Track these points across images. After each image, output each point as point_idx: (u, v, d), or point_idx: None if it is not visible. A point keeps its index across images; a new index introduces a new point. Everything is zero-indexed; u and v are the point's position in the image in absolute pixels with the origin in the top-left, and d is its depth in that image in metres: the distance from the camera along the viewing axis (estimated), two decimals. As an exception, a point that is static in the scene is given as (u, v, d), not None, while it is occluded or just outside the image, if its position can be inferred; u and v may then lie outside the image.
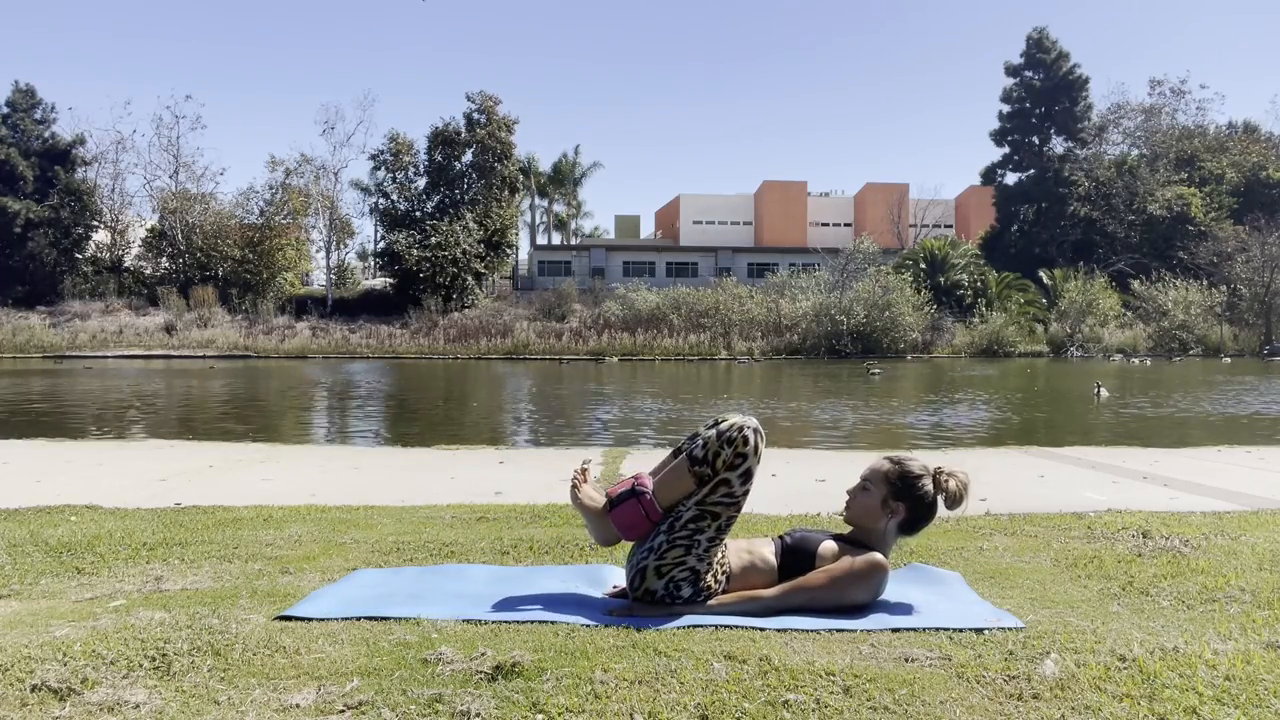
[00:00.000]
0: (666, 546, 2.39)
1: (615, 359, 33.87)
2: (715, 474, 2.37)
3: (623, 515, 2.47)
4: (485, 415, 12.77)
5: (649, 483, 2.48)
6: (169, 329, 38.44)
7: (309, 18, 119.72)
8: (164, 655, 1.95)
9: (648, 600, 2.40)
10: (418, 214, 45.76)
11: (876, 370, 23.45)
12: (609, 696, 1.76)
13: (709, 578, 2.41)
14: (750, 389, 18.22)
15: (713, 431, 2.41)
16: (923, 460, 2.57)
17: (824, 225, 59.83)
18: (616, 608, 2.41)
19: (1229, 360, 33.70)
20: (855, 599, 2.40)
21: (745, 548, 2.52)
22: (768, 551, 2.50)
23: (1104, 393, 14.62)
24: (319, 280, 55.11)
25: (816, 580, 2.40)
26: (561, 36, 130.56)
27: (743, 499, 2.39)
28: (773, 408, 13.06)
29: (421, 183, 47.27)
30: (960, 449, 7.81)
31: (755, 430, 2.38)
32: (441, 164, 46.46)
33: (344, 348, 36.82)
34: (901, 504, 2.50)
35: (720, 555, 2.45)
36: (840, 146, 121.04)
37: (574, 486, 2.59)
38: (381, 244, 46.68)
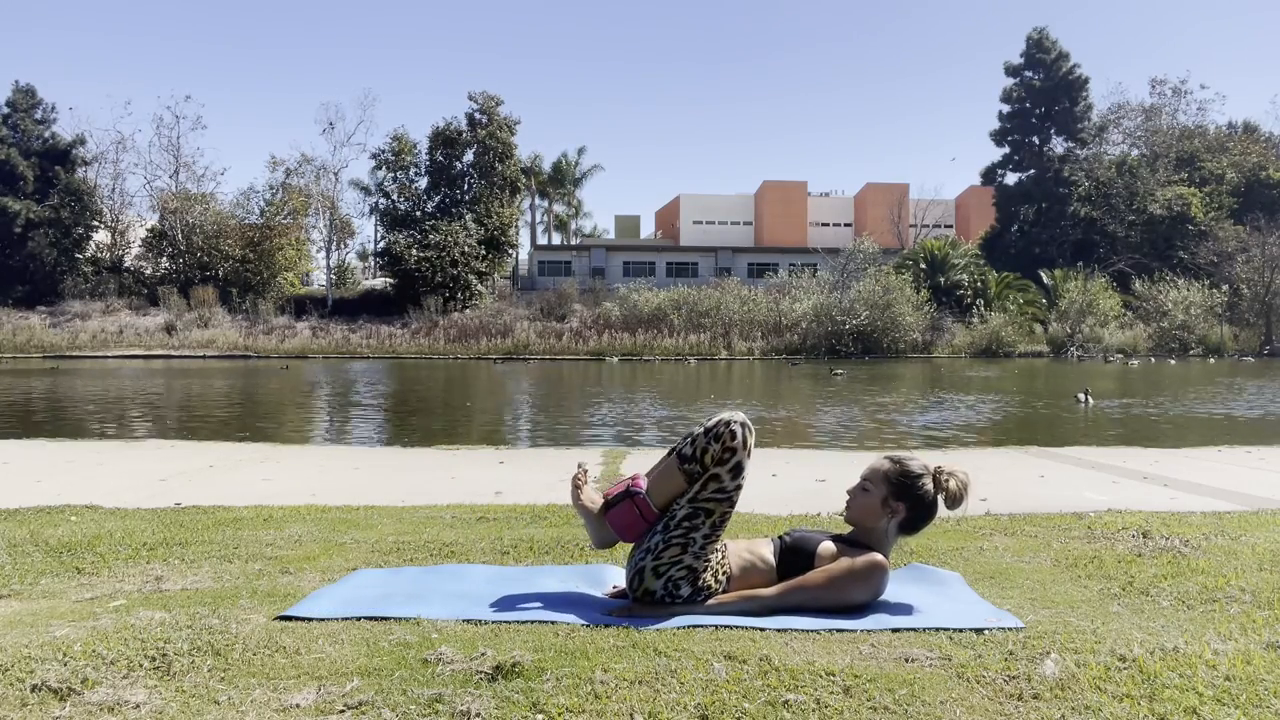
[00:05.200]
0: (663, 546, 2.39)
1: (615, 359, 33.87)
2: (705, 470, 2.39)
3: (618, 516, 2.49)
4: (482, 416, 12.77)
5: (643, 483, 2.49)
6: (169, 329, 38.45)
7: (309, 18, 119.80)
8: (164, 655, 1.95)
9: (647, 600, 2.40)
10: (418, 214, 45.78)
11: (839, 372, 23.57)
12: (609, 696, 1.76)
13: (708, 577, 2.41)
14: (690, 390, 18.22)
15: (700, 428, 2.44)
16: (923, 460, 2.57)
17: (824, 225, 59.82)
18: (616, 608, 2.41)
19: (1214, 361, 33.68)
20: (855, 599, 2.39)
21: (745, 548, 2.52)
22: (767, 552, 2.50)
23: (1090, 400, 13.29)
24: (319, 280, 55.14)
25: (816, 580, 2.40)
26: (562, 36, 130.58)
27: (735, 494, 2.40)
28: (684, 409, 13.06)
29: (422, 182, 47.30)
30: (960, 449, 7.82)
31: (743, 424, 2.41)
32: (442, 164, 46.47)
33: (344, 348, 36.82)
34: (901, 503, 2.50)
35: (720, 557, 2.45)
36: (840, 146, 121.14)
37: (575, 488, 2.60)
38: (382, 244, 46.69)
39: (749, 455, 2.40)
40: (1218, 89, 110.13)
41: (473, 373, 24.84)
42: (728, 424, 2.40)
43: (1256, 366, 29.37)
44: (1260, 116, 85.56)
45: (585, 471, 2.65)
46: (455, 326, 39.42)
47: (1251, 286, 41.44)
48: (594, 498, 2.58)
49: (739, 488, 2.40)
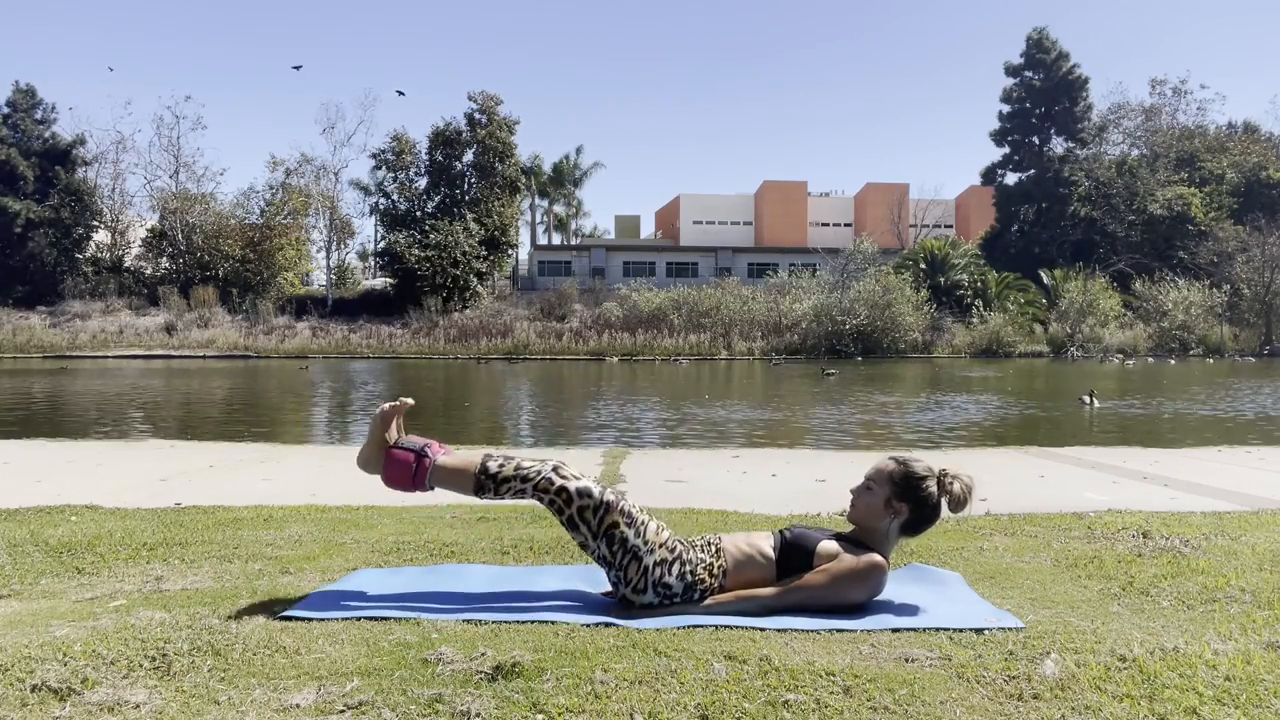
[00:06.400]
0: (623, 574, 2.41)
1: (615, 359, 33.86)
2: (494, 493, 2.46)
3: (395, 458, 2.53)
4: (483, 415, 12.77)
5: (439, 455, 2.52)
6: (169, 329, 38.46)
7: (309, 18, 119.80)
8: (164, 655, 1.95)
9: (647, 610, 2.40)
10: (418, 214, 45.77)
11: (831, 372, 23.37)
12: (609, 696, 1.76)
13: (697, 568, 2.41)
14: (682, 390, 18.20)
15: (520, 470, 2.46)
16: (927, 461, 2.57)
17: (824, 225, 59.82)
18: (616, 608, 2.41)
19: (1213, 361, 33.69)
20: (854, 598, 2.39)
21: (744, 540, 2.52)
22: (766, 546, 2.50)
23: (1095, 402, 12.89)
24: (319, 280, 55.14)
25: (816, 579, 2.40)
26: (562, 36, 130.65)
27: (607, 496, 2.42)
28: (660, 409, 13.04)
29: (422, 182, 47.29)
30: (960, 449, 7.81)
31: (554, 469, 2.45)
32: (442, 164, 46.46)
33: (344, 348, 36.83)
34: (905, 504, 2.50)
35: (715, 551, 2.46)
36: (840, 146, 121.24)
37: (386, 414, 2.62)
38: (382, 244, 46.69)
39: (578, 478, 2.44)
40: (1218, 89, 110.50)
41: (467, 373, 24.84)
42: (539, 474, 2.43)
43: (1257, 366, 29.37)
44: (1260, 116, 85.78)
45: (406, 404, 2.66)
46: (455, 326, 39.42)
47: (1251, 286, 41.45)
48: (393, 431, 2.62)
49: (604, 489, 2.44)
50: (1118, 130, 52.64)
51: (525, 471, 2.46)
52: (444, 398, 16.19)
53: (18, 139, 44.19)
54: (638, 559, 2.40)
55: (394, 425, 2.63)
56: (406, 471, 2.51)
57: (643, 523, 2.44)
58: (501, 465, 2.48)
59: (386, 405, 2.64)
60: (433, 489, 2.54)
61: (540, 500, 2.46)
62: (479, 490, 2.48)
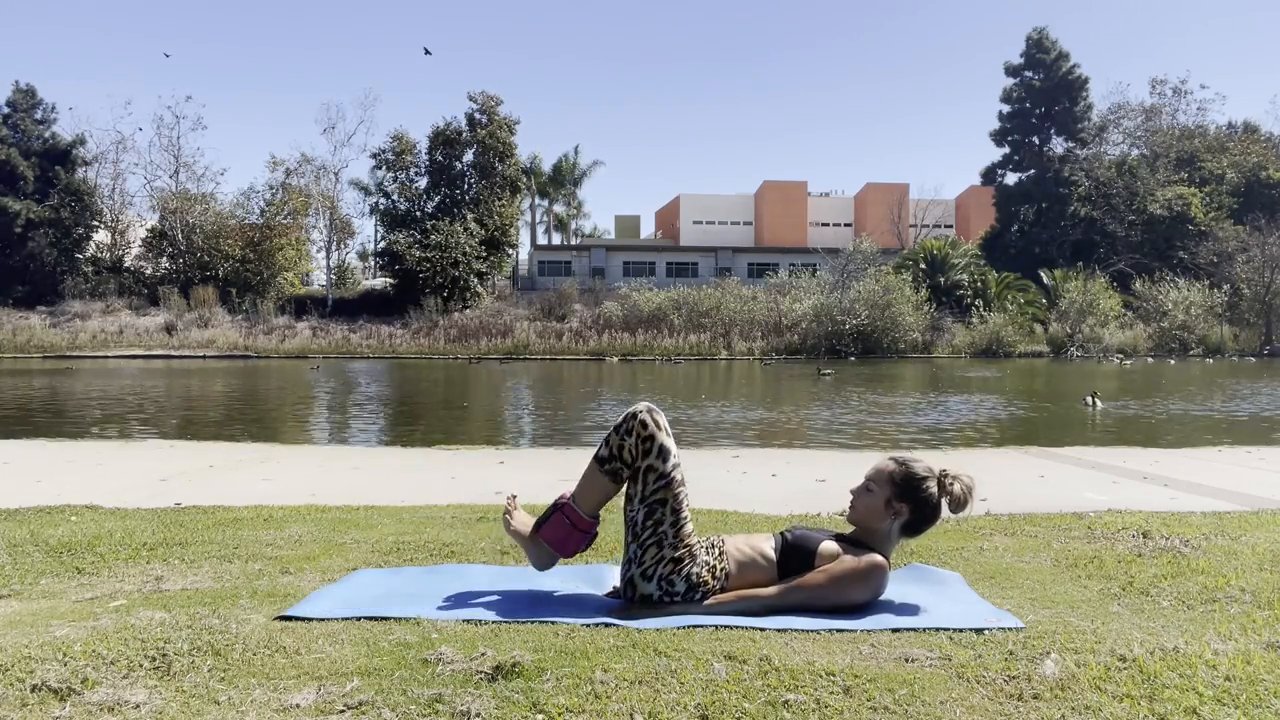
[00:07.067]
0: (640, 551, 2.42)
1: (615, 359, 33.86)
2: (627, 466, 2.44)
3: (551, 531, 2.53)
4: (482, 414, 12.77)
5: (569, 492, 2.54)
6: (169, 329, 38.45)
7: (309, 18, 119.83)
8: (164, 655, 1.95)
9: (647, 605, 2.41)
10: (418, 214, 45.76)
11: (827, 372, 23.29)
12: (609, 696, 1.76)
13: (703, 572, 2.41)
14: (670, 389, 18.20)
15: (618, 428, 2.49)
16: (927, 462, 2.57)
17: (824, 225, 59.82)
18: (616, 608, 2.41)
19: (1212, 361, 33.69)
20: (855, 599, 2.39)
21: (745, 542, 2.52)
22: (767, 548, 2.50)
23: (1099, 404, 12.79)
24: (319, 280, 55.13)
25: (816, 579, 2.40)
26: (562, 36, 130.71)
27: (675, 472, 2.43)
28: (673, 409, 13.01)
29: (422, 182, 47.28)
30: (960, 449, 7.81)
31: (647, 410, 2.46)
32: (442, 164, 46.45)
33: (344, 348, 36.82)
34: (905, 505, 2.50)
35: (718, 553, 2.46)
36: (840, 146, 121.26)
37: (506, 515, 2.66)
38: (382, 244, 46.69)
39: (668, 434, 2.45)
40: (1218, 89, 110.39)
41: (464, 373, 24.83)
42: (634, 415, 2.45)
43: (1257, 367, 29.37)
44: (1260, 116, 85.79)
45: (514, 498, 2.71)
46: (455, 326, 39.42)
47: (1251, 286, 41.43)
48: (525, 520, 2.63)
49: (676, 466, 2.44)
50: (1118, 130, 52.65)
51: (624, 425, 2.46)
52: (442, 399, 16.19)
53: (18, 139, 44.18)
54: (659, 546, 2.41)
55: (518, 518, 2.65)
56: (566, 529, 2.52)
57: (685, 519, 2.45)
58: (605, 442, 2.49)
59: (504, 515, 2.69)
60: (597, 519, 2.54)
61: (634, 439, 2.44)
62: (615, 479, 2.47)
